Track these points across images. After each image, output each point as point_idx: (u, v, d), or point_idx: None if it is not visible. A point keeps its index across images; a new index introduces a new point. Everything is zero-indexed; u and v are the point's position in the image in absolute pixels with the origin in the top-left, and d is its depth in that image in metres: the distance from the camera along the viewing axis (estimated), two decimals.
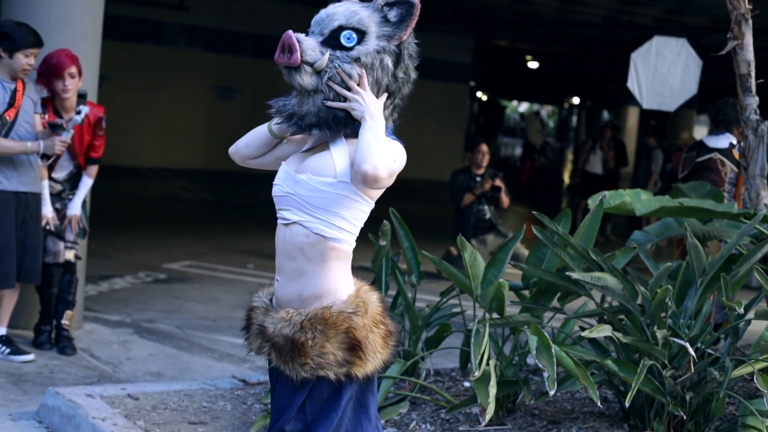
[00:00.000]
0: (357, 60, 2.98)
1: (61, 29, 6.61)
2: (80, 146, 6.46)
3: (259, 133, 3.21)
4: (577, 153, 32.90)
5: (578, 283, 4.71)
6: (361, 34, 2.99)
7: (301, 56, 2.96)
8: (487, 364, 4.44)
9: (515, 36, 20.82)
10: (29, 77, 6.21)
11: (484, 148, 10.64)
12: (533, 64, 27.47)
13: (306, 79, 2.99)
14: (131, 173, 17.48)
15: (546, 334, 4.51)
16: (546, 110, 55.27)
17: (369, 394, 3.14)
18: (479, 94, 37.26)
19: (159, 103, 18.94)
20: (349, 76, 2.98)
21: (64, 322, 6.59)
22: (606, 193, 5.50)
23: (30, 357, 6.28)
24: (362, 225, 3.10)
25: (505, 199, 10.57)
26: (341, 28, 2.99)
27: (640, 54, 9.71)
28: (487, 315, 4.96)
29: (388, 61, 3.02)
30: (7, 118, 5.99)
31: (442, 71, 22.87)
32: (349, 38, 2.99)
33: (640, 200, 5.64)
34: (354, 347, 2.99)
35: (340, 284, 3.04)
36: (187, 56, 19.47)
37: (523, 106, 55.44)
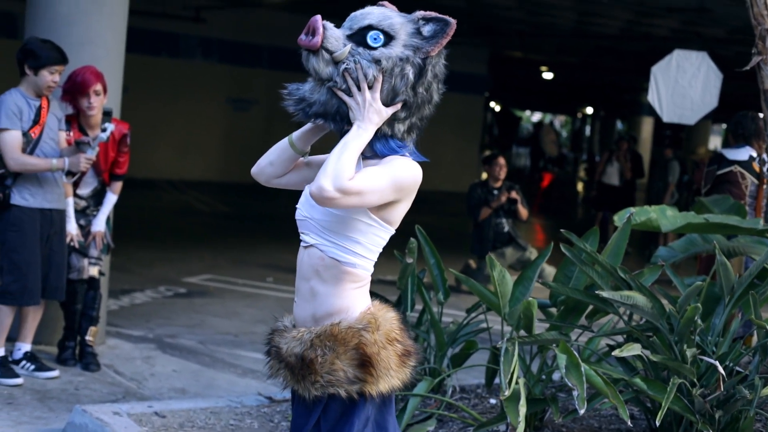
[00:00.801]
0: (377, 62, 2.91)
1: (84, 46, 6.64)
2: (105, 163, 6.49)
3: (281, 148, 3.14)
4: (591, 163, 32.92)
5: (606, 301, 4.70)
6: (389, 38, 2.93)
7: (322, 42, 2.91)
8: (517, 382, 4.43)
9: (530, 47, 20.83)
10: (54, 94, 6.23)
11: (502, 161, 10.69)
12: (548, 75, 27.48)
13: (322, 66, 2.93)
14: (148, 185, 17.52)
15: (575, 353, 4.50)
16: (559, 120, 55.24)
17: (387, 416, 3.09)
18: (492, 104, 37.26)
19: (175, 115, 19.01)
20: (365, 75, 2.90)
21: (88, 338, 6.60)
22: (632, 209, 5.49)
23: (55, 373, 6.29)
24: (380, 250, 3.03)
25: (522, 211, 10.59)
26: (370, 27, 2.93)
27: (661, 67, 9.70)
28: (514, 333, 4.95)
29: (410, 72, 2.93)
30: (33, 135, 6.01)
31: (457, 83, 22.81)
32: (375, 38, 2.93)
33: (665, 216, 5.63)
34: (365, 363, 2.92)
35: (353, 303, 2.99)
36: (203, 68, 19.55)
37: (536, 116, 55.41)
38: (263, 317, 8.35)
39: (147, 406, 5.41)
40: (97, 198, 6.62)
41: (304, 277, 3.04)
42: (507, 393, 4.31)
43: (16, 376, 6.12)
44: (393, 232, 3.03)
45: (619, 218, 5.51)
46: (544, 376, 5.08)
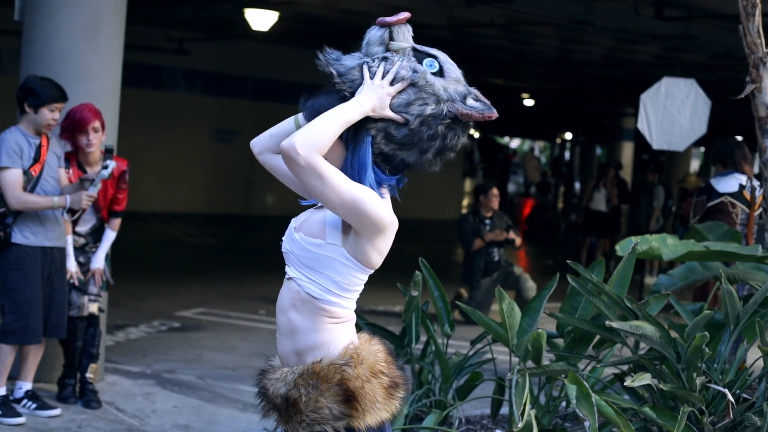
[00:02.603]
0: (415, 73, 2.87)
1: (80, 83, 6.65)
2: (104, 200, 6.49)
3: (285, 124, 3.13)
4: (568, 187, 33.05)
5: (614, 331, 4.73)
6: (440, 74, 2.90)
7: (393, 25, 2.90)
8: (528, 414, 4.44)
9: (512, 75, 20.95)
10: (53, 132, 6.23)
11: (495, 191, 10.83)
12: (529, 102, 27.62)
13: (375, 40, 2.92)
14: (133, 218, 17.41)
15: (585, 384, 4.52)
16: (538, 146, 55.49)
17: None
18: (471, 131, 37.35)
19: (159, 147, 18.99)
20: (397, 72, 2.87)
21: (88, 375, 6.58)
22: (634, 240, 5.53)
23: (56, 412, 6.26)
24: (359, 290, 2.98)
25: (517, 240, 10.68)
26: (433, 57, 2.92)
27: (650, 95, 9.78)
28: (521, 364, 4.96)
29: (430, 106, 2.86)
30: (33, 173, 6.01)
31: None
32: (431, 65, 2.90)
33: (666, 245, 5.67)
34: (349, 398, 2.90)
35: (334, 338, 2.96)
36: (187, 100, 19.55)
37: (515, 142, 55.61)
38: (259, 350, 8.31)
39: None
40: (96, 235, 6.62)
41: (282, 310, 3.01)
42: (520, 425, 4.32)
43: (18, 415, 6.09)
44: (371, 272, 2.98)
45: (621, 248, 5.55)
46: (552, 406, 5.10)
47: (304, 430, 2.91)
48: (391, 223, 2.89)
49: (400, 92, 2.87)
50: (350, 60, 2.93)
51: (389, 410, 2.96)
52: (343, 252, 2.90)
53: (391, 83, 2.87)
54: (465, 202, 29.29)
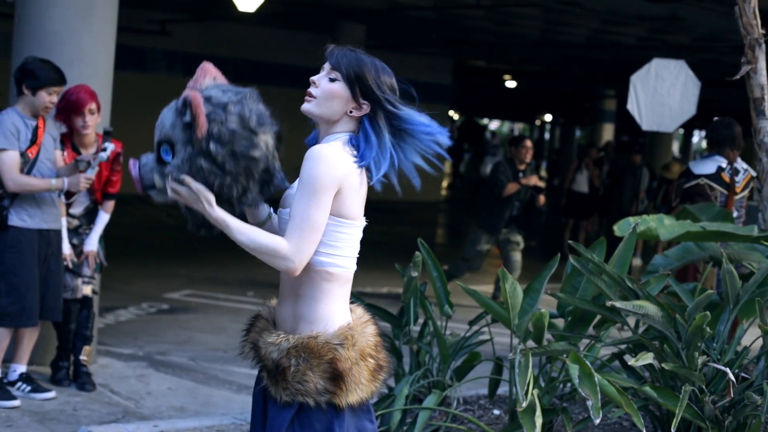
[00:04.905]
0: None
1: (75, 65, 6.60)
2: (98, 182, 6.45)
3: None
4: (551, 169, 33.12)
5: (615, 311, 4.75)
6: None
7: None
8: (531, 394, 4.46)
9: (495, 57, 20.94)
10: (48, 114, 6.19)
11: (529, 143, 10.64)
12: (511, 84, 27.64)
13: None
14: (117, 200, 17.38)
15: (587, 363, 4.53)
16: (517, 128, 55.56)
17: (366, 422, 3.15)
18: (451, 113, 37.41)
19: (141, 130, 18.83)
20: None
21: (82, 357, 6.56)
22: (632, 220, 5.56)
23: (51, 394, 6.24)
24: (351, 245, 3.07)
25: (541, 198, 10.58)
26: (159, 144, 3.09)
27: (640, 76, 9.80)
28: (522, 345, 4.97)
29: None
30: (30, 155, 5.97)
31: (422, 92, 22.86)
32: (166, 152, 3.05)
33: (663, 225, 5.70)
34: (336, 377, 3.01)
35: (332, 311, 3.06)
36: (168, 82, 19.44)
37: (494, 124, 55.68)
38: None
39: (152, 425, 5.40)
40: (90, 217, 6.59)
41: (284, 277, 3.11)
42: (524, 405, 4.34)
43: (13, 398, 6.06)
44: (356, 224, 3.07)
45: (619, 229, 5.58)
46: (554, 386, 5.12)
47: (287, 396, 3.02)
48: (339, 166, 2.96)
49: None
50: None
51: (371, 390, 3.10)
52: None
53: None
54: (444, 183, 29.35)
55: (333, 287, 3.06)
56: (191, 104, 2.91)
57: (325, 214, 2.95)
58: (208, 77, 3.09)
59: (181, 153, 2.96)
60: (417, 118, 3.10)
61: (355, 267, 3.14)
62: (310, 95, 3.08)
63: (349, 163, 3.00)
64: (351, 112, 3.07)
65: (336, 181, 2.95)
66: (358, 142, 3.05)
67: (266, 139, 2.99)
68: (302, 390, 2.99)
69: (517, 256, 10.52)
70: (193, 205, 2.98)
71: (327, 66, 3.10)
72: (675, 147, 41.38)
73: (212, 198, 2.96)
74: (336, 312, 3.07)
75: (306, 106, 3.09)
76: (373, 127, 3.06)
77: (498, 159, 15.99)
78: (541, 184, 10.51)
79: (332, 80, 3.06)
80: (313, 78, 3.11)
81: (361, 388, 3.05)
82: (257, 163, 2.97)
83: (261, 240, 2.93)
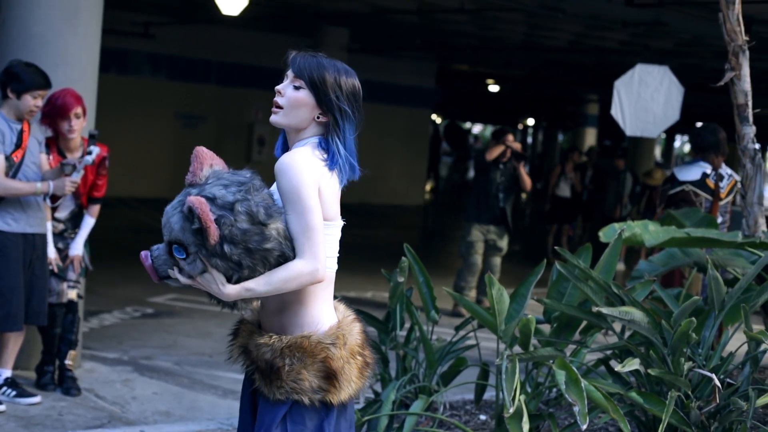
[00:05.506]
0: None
1: (59, 67, 6.57)
2: (84, 186, 6.44)
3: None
4: (534, 173, 33.17)
5: (601, 316, 4.77)
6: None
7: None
8: (518, 399, 4.47)
9: (478, 60, 20.99)
10: (34, 117, 6.17)
11: (511, 137, 10.59)
12: (494, 88, 27.69)
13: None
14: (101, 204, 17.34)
15: (574, 369, 4.55)
16: None
17: (343, 420, 3.20)
18: (434, 116, 37.45)
19: (124, 132, 18.83)
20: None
21: (67, 362, 6.54)
22: (617, 226, 5.58)
23: (36, 399, 6.22)
24: (332, 246, 3.12)
25: (526, 179, 10.46)
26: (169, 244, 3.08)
27: (624, 82, 9.85)
28: (509, 350, 4.99)
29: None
30: (15, 159, 5.95)
31: (405, 96, 23.00)
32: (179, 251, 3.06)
33: (648, 231, 5.73)
34: (329, 376, 3.08)
35: (319, 313, 3.12)
36: (152, 84, 19.42)
37: (477, 128, 55.74)
38: None
39: (138, 430, 5.39)
40: (75, 221, 6.57)
41: None
42: (511, 410, 4.35)
43: None
44: (335, 225, 3.13)
45: (605, 235, 5.60)
46: (540, 391, 5.13)
47: (281, 395, 3.07)
48: (309, 167, 3.01)
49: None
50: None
51: (359, 387, 3.18)
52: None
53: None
54: (428, 187, 29.36)
55: (317, 289, 3.10)
56: (199, 214, 2.90)
57: (319, 211, 3.01)
58: (205, 166, 3.07)
59: (195, 254, 2.98)
60: (350, 142, 3.15)
61: (336, 266, 3.20)
62: (277, 105, 3.14)
63: (320, 166, 3.06)
64: (318, 117, 3.12)
65: (315, 182, 3.02)
66: (328, 145, 3.11)
67: (276, 227, 2.99)
68: (297, 388, 3.05)
69: (496, 261, 10.57)
70: (207, 290, 3.02)
71: (290, 73, 3.14)
72: (657, 151, 41.54)
73: (223, 278, 2.98)
74: (323, 313, 3.13)
75: (274, 118, 3.15)
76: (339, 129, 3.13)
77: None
78: (521, 151, 10.42)
79: (297, 88, 3.11)
80: (278, 87, 3.15)
81: (351, 385, 3.13)
82: (272, 252, 2.98)
83: (281, 276, 2.98)
